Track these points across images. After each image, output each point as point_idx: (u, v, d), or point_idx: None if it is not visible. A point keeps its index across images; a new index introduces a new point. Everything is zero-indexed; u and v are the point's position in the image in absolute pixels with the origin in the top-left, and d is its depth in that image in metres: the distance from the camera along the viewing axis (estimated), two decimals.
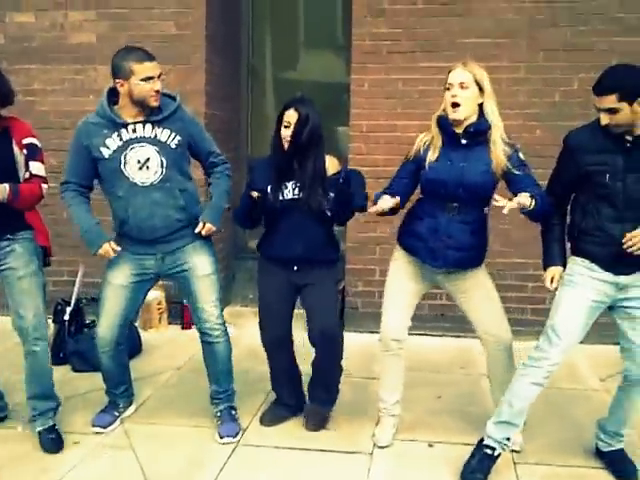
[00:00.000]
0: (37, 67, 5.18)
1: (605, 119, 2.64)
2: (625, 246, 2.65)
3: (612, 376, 3.95)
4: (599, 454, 3.13)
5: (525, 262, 4.81)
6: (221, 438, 3.34)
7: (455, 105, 2.89)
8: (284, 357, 3.49)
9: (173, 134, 3.13)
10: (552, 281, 2.92)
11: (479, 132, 2.93)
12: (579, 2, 4.63)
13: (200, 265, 3.28)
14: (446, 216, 2.99)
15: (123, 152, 3.08)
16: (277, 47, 5.86)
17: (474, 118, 2.94)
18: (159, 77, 3.04)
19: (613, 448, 3.07)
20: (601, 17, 4.59)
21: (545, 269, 2.96)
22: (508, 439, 2.98)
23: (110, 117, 3.06)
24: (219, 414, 3.44)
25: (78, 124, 3.18)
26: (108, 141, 3.07)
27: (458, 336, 4.82)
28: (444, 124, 2.98)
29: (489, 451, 2.97)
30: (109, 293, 3.27)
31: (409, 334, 3.25)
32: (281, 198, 3.20)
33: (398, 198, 2.93)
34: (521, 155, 2.98)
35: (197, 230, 3.19)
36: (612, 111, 2.61)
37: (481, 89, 2.90)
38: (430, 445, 3.30)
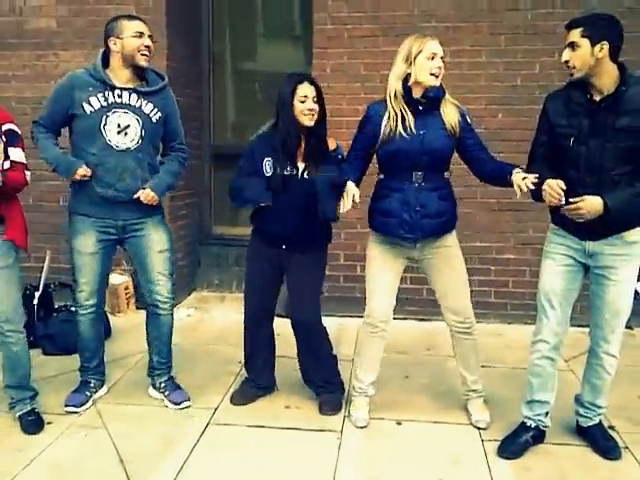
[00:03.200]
0: None
1: (566, 55, 2.69)
2: (565, 209, 2.70)
3: (576, 357, 4.03)
4: (580, 431, 3.17)
5: (488, 246, 4.89)
6: (177, 404, 3.46)
7: (437, 76, 2.96)
8: (263, 334, 3.52)
9: (156, 109, 3.25)
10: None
11: (438, 98, 2.99)
12: None
13: (158, 240, 3.39)
14: (414, 186, 3.02)
15: (105, 113, 3.16)
16: (237, 36, 5.83)
17: (432, 85, 2.99)
18: (150, 37, 3.16)
19: (592, 422, 3.10)
20: (562, 0, 4.61)
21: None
22: (547, 414, 3.07)
23: (101, 77, 3.16)
24: (163, 385, 3.55)
25: (67, 75, 3.25)
26: (92, 99, 3.15)
27: (422, 319, 4.88)
28: (410, 95, 2.98)
29: (525, 425, 3.09)
30: (81, 262, 3.34)
31: None
32: (285, 173, 3.19)
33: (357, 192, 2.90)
34: (468, 118, 3.08)
35: (136, 195, 3.23)
36: (573, 46, 2.65)
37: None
38: (398, 423, 3.34)
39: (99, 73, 3.17)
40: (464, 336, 3.26)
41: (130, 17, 3.22)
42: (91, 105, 3.15)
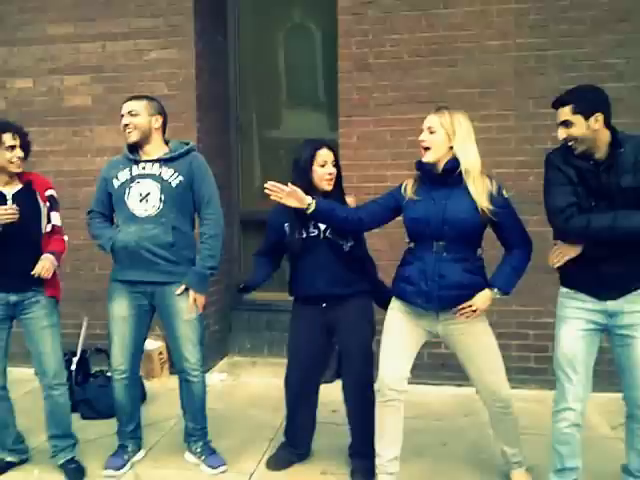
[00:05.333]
0: (36, 129, 5.28)
1: (562, 133, 2.76)
2: (550, 262, 2.84)
3: (623, 424, 3.92)
4: None
5: (525, 310, 4.81)
6: (214, 469, 3.48)
7: (424, 149, 3.01)
8: (306, 403, 3.50)
9: (176, 174, 3.38)
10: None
11: (452, 169, 2.97)
12: (566, 50, 4.71)
13: (187, 307, 3.43)
14: (433, 256, 2.98)
15: (128, 185, 3.36)
16: (262, 106, 6.01)
17: (448, 159, 2.99)
18: (129, 113, 3.39)
19: None
20: (589, 64, 4.68)
21: None
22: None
23: (126, 155, 3.46)
24: (199, 450, 3.57)
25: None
26: (119, 174, 3.43)
27: (460, 385, 4.69)
28: (423, 167, 3.06)
29: None
30: (115, 326, 3.47)
31: (410, 383, 3.15)
32: (304, 236, 3.28)
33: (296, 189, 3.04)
34: (504, 192, 3.04)
35: (178, 292, 3.39)
36: (567, 124, 2.73)
37: (448, 133, 2.97)
38: None
39: (124, 152, 3.46)
40: (501, 416, 3.19)
41: (129, 99, 3.47)
42: (118, 179, 3.42)
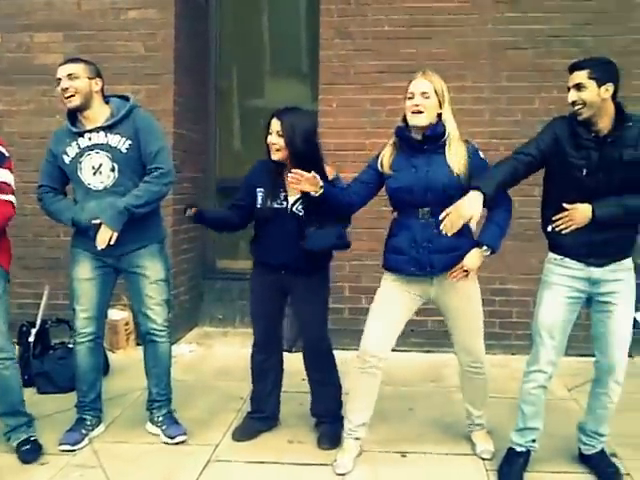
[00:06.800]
0: (3, 88, 5.17)
1: (573, 95, 2.81)
2: (555, 225, 2.91)
3: (579, 386, 4.03)
4: (582, 458, 3.19)
5: (491, 276, 4.82)
6: (172, 438, 3.42)
7: (418, 112, 2.98)
8: (270, 361, 3.49)
9: (123, 138, 3.25)
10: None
11: (436, 135, 3.00)
12: (540, 26, 4.82)
13: (154, 270, 3.40)
14: (420, 223, 3.02)
15: (78, 159, 3.24)
16: (243, 72, 5.92)
17: (432, 125, 3.01)
18: (68, 77, 3.19)
19: (595, 450, 3.13)
20: (561, 40, 4.80)
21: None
22: (534, 441, 3.10)
23: (68, 128, 3.30)
24: (161, 419, 3.51)
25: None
26: (68, 149, 3.28)
27: (428, 351, 4.88)
28: (403, 134, 3.07)
29: (517, 451, 3.10)
30: (78, 288, 3.38)
31: None
32: (272, 206, 3.24)
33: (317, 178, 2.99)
34: (481, 154, 3.08)
35: (94, 222, 3.17)
36: (580, 87, 2.78)
37: (440, 100, 3.00)
38: (403, 455, 3.30)
39: (67, 125, 3.30)
40: (475, 375, 3.27)
41: (64, 62, 3.30)
42: (68, 155, 3.27)
